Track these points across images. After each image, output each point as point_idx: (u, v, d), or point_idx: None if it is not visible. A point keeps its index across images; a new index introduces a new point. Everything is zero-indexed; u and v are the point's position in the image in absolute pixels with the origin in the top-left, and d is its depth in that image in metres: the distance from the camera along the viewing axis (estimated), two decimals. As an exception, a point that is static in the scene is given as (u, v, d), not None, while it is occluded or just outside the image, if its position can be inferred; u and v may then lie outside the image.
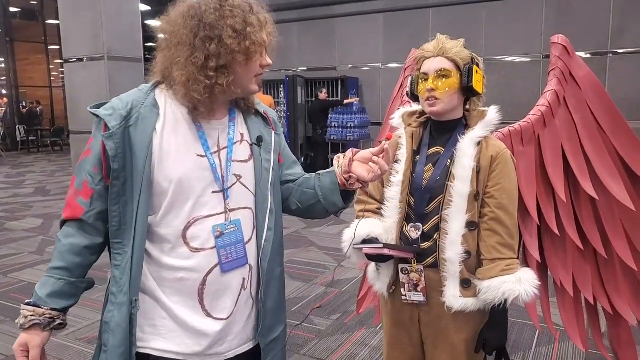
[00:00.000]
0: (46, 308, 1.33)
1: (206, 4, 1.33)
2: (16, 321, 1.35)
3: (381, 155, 1.41)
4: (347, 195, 1.51)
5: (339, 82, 10.52)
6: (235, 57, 1.31)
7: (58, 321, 1.35)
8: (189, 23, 1.32)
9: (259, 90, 1.46)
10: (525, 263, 2.10)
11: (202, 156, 1.38)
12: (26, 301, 1.35)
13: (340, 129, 9.61)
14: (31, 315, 1.32)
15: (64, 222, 1.40)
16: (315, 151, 10.31)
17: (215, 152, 1.40)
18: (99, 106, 1.37)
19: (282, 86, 10.51)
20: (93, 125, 1.38)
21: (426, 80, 1.70)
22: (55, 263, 1.36)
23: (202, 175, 1.37)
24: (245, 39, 1.31)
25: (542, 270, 2.15)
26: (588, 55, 8.35)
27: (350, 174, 1.44)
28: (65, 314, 1.38)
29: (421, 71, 1.73)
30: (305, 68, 11.27)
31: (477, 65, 1.70)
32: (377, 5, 10.25)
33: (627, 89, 8.25)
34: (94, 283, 1.45)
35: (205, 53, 1.30)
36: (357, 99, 10.03)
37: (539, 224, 2.08)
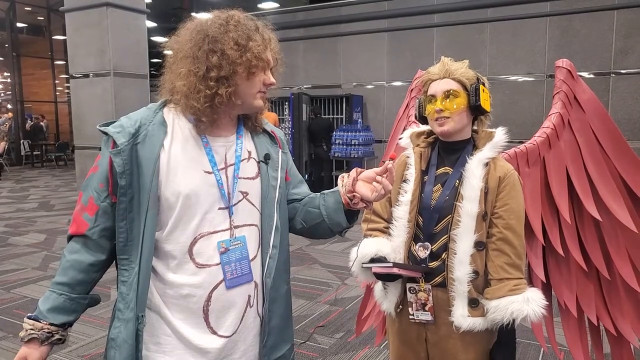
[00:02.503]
0: (45, 322, 1.34)
1: (213, 20, 1.38)
2: (19, 334, 1.36)
3: (385, 175, 1.42)
4: (351, 214, 1.53)
5: (344, 100, 10.58)
6: (236, 69, 1.34)
7: (57, 336, 1.36)
8: (194, 37, 1.36)
9: (264, 107, 1.47)
10: (530, 283, 2.10)
11: (209, 172, 1.39)
12: (28, 314, 1.36)
13: (345, 147, 9.63)
14: (30, 329, 1.33)
15: (70, 238, 1.42)
16: (319, 168, 10.32)
17: (222, 169, 1.42)
18: (107, 124, 1.40)
19: (287, 103, 10.57)
20: (101, 143, 1.41)
21: (434, 101, 1.72)
22: (58, 278, 1.38)
23: (209, 192, 1.39)
24: (247, 51, 1.34)
25: (546, 290, 2.15)
26: (591, 76, 8.40)
27: (354, 194, 1.45)
28: (65, 329, 1.39)
29: (428, 93, 1.75)
30: (310, 86, 11.34)
31: (483, 84, 1.74)
32: (381, 24, 10.35)
33: (630, 109, 8.27)
34: (100, 300, 1.46)
35: (207, 64, 1.33)
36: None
37: (544, 244, 2.08)
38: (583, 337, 2.21)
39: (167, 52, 1.44)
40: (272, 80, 1.44)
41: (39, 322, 1.34)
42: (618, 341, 2.17)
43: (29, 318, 1.35)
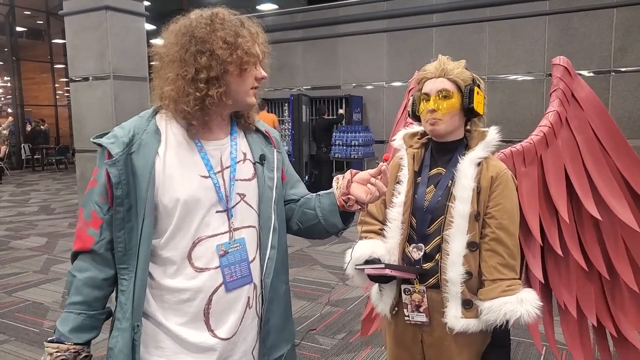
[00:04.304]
0: (70, 343, 1.35)
1: (197, 20, 1.35)
2: (41, 359, 1.36)
3: (379, 177, 1.41)
4: (346, 216, 1.52)
5: (343, 101, 10.58)
6: (227, 68, 1.33)
7: (83, 354, 1.37)
8: (180, 40, 1.34)
9: (256, 104, 1.45)
10: (529, 284, 2.09)
11: (205, 177, 1.38)
12: (49, 338, 1.36)
13: (345, 147, 9.64)
14: (56, 352, 1.33)
15: (75, 255, 1.40)
16: (319, 169, 10.33)
17: (218, 172, 1.41)
18: (101, 136, 1.39)
19: (286, 105, 10.57)
20: (97, 156, 1.39)
21: (427, 100, 1.71)
22: (73, 298, 1.37)
23: (207, 196, 1.37)
24: (237, 49, 1.32)
25: (545, 290, 2.13)
26: (591, 74, 8.38)
27: (349, 196, 1.44)
28: (89, 346, 1.39)
29: (423, 91, 1.75)
30: (310, 87, 11.34)
31: (479, 86, 1.72)
32: (380, 24, 10.35)
33: (630, 107, 8.26)
34: (112, 312, 1.45)
35: (195, 66, 1.31)
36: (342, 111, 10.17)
37: (541, 244, 2.07)
38: (584, 338, 2.18)
39: (155, 61, 1.43)
40: (264, 73, 1.42)
41: (64, 343, 1.34)
42: (622, 343, 2.14)
43: (50, 342, 1.35)
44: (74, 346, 1.35)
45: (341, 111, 10.05)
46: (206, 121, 1.39)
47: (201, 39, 1.32)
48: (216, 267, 1.38)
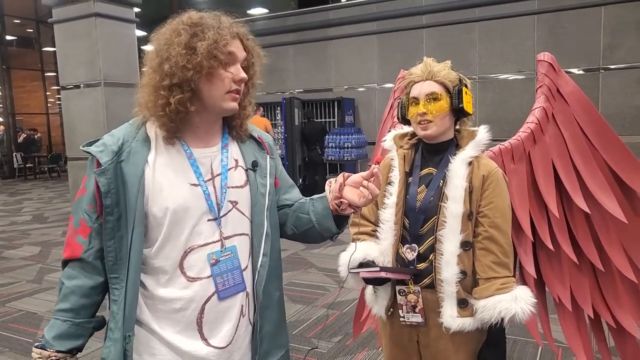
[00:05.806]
0: (52, 350, 1.34)
1: (167, 27, 1.36)
2: None
3: (371, 179, 1.39)
4: (340, 220, 1.50)
5: (335, 103, 10.59)
6: (186, 74, 1.29)
7: None
8: (155, 49, 1.35)
9: (237, 108, 1.40)
10: (522, 280, 2.09)
11: (195, 185, 1.37)
12: (36, 344, 1.36)
13: (338, 150, 9.65)
14: (38, 358, 1.34)
15: (65, 263, 1.40)
16: (314, 171, 10.32)
17: (209, 180, 1.39)
18: (91, 144, 1.38)
19: (278, 108, 10.58)
20: (87, 164, 1.38)
21: (417, 104, 1.71)
22: (60, 305, 1.37)
23: (197, 204, 1.36)
24: (196, 54, 1.29)
25: (539, 286, 2.14)
26: (580, 72, 8.43)
27: (341, 199, 1.43)
28: (73, 355, 1.38)
29: (411, 95, 1.74)
30: (302, 90, 11.35)
31: (466, 86, 1.73)
32: (371, 26, 10.39)
33: (619, 104, 8.32)
34: (105, 322, 1.43)
35: (160, 74, 1.31)
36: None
37: (532, 240, 2.08)
38: (582, 330, 2.18)
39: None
40: (242, 75, 1.37)
41: (46, 350, 1.34)
42: (620, 333, 2.15)
43: (37, 347, 1.35)
44: (56, 353, 1.34)
45: None
46: (178, 129, 1.37)
47: (165, 46, 1.31)
48: (208, 277, 1.37)
